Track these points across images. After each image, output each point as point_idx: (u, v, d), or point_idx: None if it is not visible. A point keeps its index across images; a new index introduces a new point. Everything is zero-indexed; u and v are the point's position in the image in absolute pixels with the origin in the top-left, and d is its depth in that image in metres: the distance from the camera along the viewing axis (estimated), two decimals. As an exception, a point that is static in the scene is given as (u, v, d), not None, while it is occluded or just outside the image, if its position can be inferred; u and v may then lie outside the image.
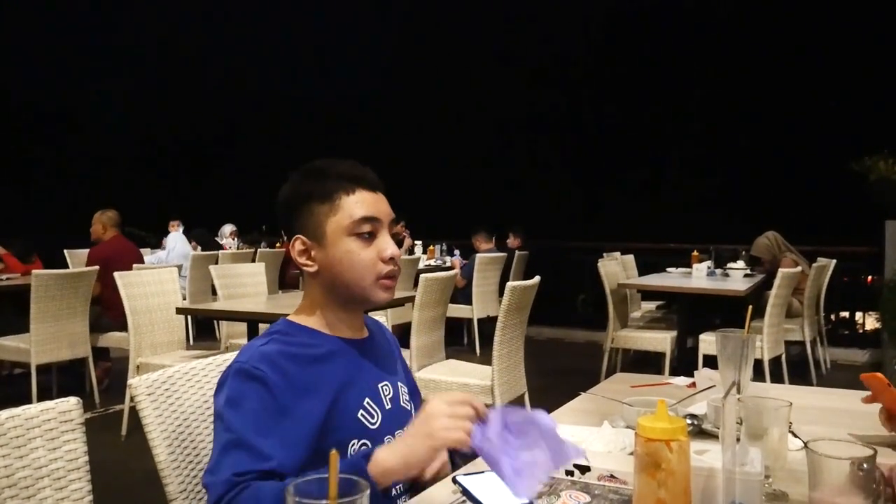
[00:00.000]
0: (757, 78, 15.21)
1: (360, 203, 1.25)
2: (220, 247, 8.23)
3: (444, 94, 16.91)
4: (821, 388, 2.15)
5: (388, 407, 1.28)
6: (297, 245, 1.28)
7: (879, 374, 1.34)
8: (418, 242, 7.81)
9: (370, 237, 1.26)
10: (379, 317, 1.44)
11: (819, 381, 5.40)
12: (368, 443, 1.22)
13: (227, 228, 8.94)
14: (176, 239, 7.60)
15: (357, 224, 1.24)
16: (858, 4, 13.57)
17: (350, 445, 1.21)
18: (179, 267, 5.88)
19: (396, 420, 1.29)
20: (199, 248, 7.81)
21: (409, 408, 1.35)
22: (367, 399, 1.25)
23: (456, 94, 16.86)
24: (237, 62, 18.52)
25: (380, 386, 1.29)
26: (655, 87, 15.89)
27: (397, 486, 1.28)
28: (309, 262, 1.27)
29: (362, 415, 1.23)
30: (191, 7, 17.88)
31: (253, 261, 6.76)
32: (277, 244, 8.46)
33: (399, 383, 1.35)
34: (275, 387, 1.14)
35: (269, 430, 1.11)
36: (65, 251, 7.33)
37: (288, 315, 1.33)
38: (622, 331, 5.16)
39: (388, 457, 1.06)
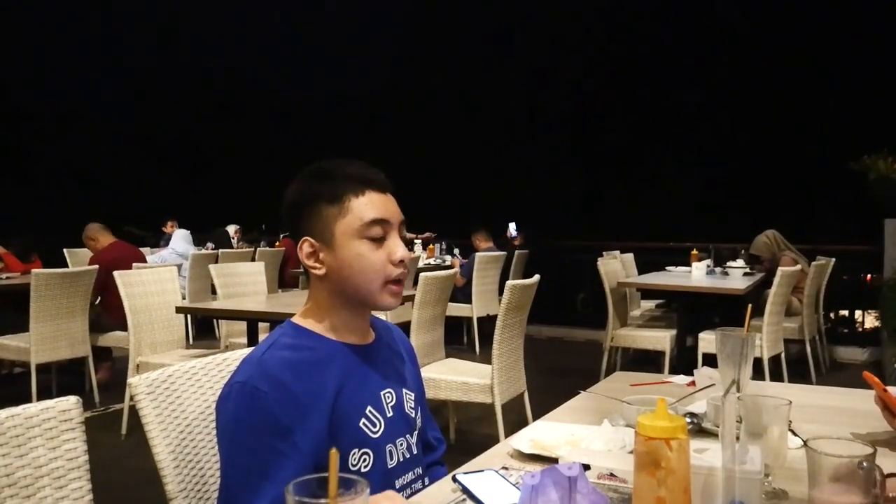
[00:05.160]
0: (757, 77, 15.22)
1: (370, 205, 1.23)
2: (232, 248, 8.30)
3: (444, 93, 16.91)
4: (820, 387, 2.15)
5: (389, 415, 1.26)
6: (305, 247, 1.25)
7: (876, 379, 1.35)
8: (418, 242, 7.82)
9: (380, 240, 1.24)
10: (379, 315, 1.44)
11: (818, 380, 5.40)
12: (370, 452, 1.22)
13: (231, 229, 8.97)
14: (179, 237, 7.61)
15: (367, 227, 1.22)
16: (858, 4, 13.57)
17: (351, 454, 1.20)
18: (179, 266, 5.88)
19: (398, 428, 1.28)
20: (212, 246, 7.83)
21: (413, 415, 1.34)
22: (368, 407, 1.24)
23: (455, 93, 16.86)
24: (237, 61, 18.51)
25: (382, 393, 1.28)
26: (655, 86, 15.89)
27: (404, 475, 1.28)
28: (317, 265, 1.25)
29: (364, 423, 1.22)
30: (191, 6, 17.86)
31: (253, 260, 6.77)
32: (276, 243, 8.48)
33: (404, 390, 1.33)
34: (277, 406, 1.13)
35: (271, 465, 1.11)
36: (65, 251, 7.34)
37: (291, 316, 1.32)
38: (622, 329, 5.16)
39: None
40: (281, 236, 8.25)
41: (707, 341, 4.57)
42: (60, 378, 5.15)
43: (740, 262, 5.87)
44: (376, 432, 1.23)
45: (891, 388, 1.34)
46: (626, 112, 16.25)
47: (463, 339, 6.92)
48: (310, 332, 1.26)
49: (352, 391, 1.22)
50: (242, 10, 18.51)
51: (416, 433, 1.34)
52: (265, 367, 1.17)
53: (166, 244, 7.80)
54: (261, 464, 1.11)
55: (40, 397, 4.12)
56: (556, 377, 5.40)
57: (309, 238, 1.25)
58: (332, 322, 1.27)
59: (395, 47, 18.17)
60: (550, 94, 16.74)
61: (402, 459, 1.27)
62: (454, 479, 1.18)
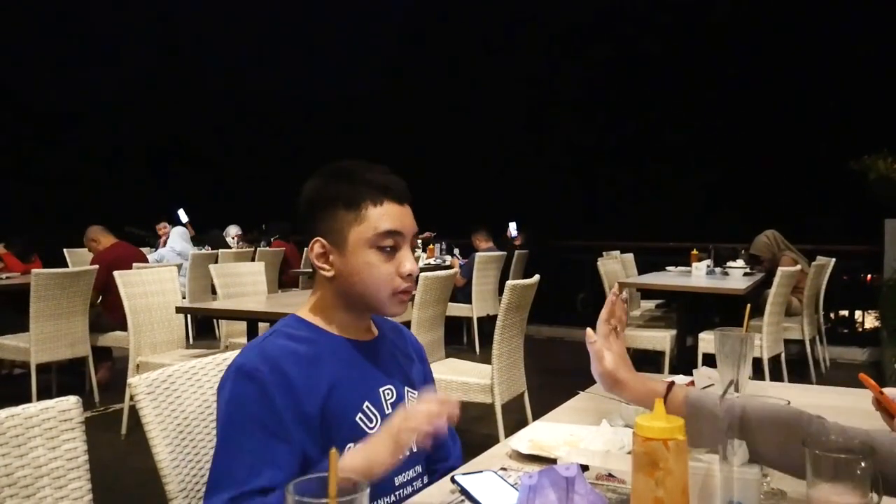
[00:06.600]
0: (757, 77, 15.22)
1: (386, 216, 1.23)
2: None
3: (444, 93, 16.91)
4: (820, 387, 2.16)
5: (388, 411, 1.27)
6: (316, 248, 1.25)
7: (872, 381, 1.35)
8: (418, 242, 7.81)
9: (392, 251, 1.24)
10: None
11: (818, 380, 5.40)
12: None
13: (232, 230, 8.97)
14: (177, 235, 7.59)
15: (380, 237, 1.22)
16: (858, 5, 13.57)
17: (346, 449, 1.19)
18: (179, 266, 5.87)
19: None
20: (209, 248, 7.83)
21: None
22: (366, 403, 1.24)
23: (455, 93, 16.86)
24: (237, 62, 18.51)
25: (382, 390, 1.28)
26: (655, 86, 15.89)
27: (403, 473, 1.28)
28: (326, 266, 1.25)
29: (360, 418, 1.22)
30: (191, 7, 17.86)
31: (253, 260, 6.77)
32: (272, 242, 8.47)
33: (407, 388, 1.33)
34: (273, 388, 1.14)
35: (265, 446, 1.12)
36: (65, 251, 7.34)
37: (292, 312, 1.32)
38: (622, 330, 5.15)
39: (353, 457, 1.09)
40: (271, 239, 8.24)
41: (707, 341, 4.57)
42: (60, 378, 5.15)
43: (740, 263, 5.86)
44: (373, 428, 1.23)
45: (887, 390, 1.34)
46: (626, 112, 16.25)
47: (463, 339, 6.92)
48: (312, 325, 1.28)
49: (350, 386, 1.23)
50: (242, 11, 18.51)
51: None
52: (265, 352, 1.19)
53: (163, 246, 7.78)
54: (255, 443, 1.12)
55: (40, 397, 4.12)
56: (555, 377, 5.39)
57: (321, 239, 1.25)
58: (334, 318, 1.29)
59: (396, 47, 18.17)
60: (551, 93, 16.75)
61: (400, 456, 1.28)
62: (453, 480, 1.18)
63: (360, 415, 1.23)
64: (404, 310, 1.30)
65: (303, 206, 1.29)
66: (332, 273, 1.25)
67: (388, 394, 1.29)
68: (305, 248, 1.30)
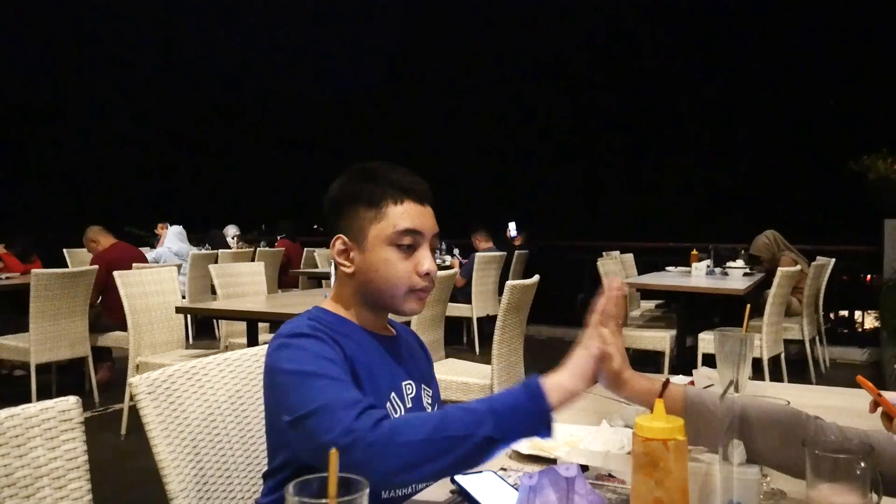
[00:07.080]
0: (757, 77, 15.22)
1: (406, 214, 1.26)
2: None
3: (444, 92, 16.91)
4: (819, 387, 2.16)
5: (409, 405, 1.30)
6: (338, 244, 1.29)
7: (870, 384, 1.35)
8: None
9: (410, 249, 1.26)
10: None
11: (818, 380, 5.40)
12: None
13: (231, 230, 8.96)
14: (172, 234, 7.57)
15: (399, 235, 1.25)
16: (858, 5, 13.56)
17: None
18: (179, 266, 5.87)
19: None
20: (209, 247, 7.81)
21: (430, 411, 1.36)
22: (392, 393, 1.27)
23: (455, 93, 16.86)
24: (237, 61, 18.50)
25: (403, 384, 1.31)
26: (656, 87, 15.89)
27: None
28: (346, 263, 1.29)
29: (388, 407, 1.25)
30: (191, 7, 17.86)
31: (252, 260, 6.76)
32: (276, 243, 8.46)
33: (423, 385, 1.36)
34: (329, 341, 1.17)
35: (346, 375, 1.13)
36: (64, 251, 7.34)
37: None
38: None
39: (557, 375, 1.12)
40: (278, 237, 8.23)
41: (707, 341, 4.57)
42: (60, 378, 5.15)
43: (740, 263, 5.86)
44: None
45: (885, 393, 1.34)
46: (626, 112, 16.25)
47: (463, 339, 6.92)
48: (340, 316, 1.30)
49: (379, 374, 1.26)
50: (242, 10, 18.49)
51: None
52: (308, 323, 1.21)
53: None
54: (341, 374, 1.13)
55: (40, 397, 4.12)
56: (555, 377, 5.39)
57: (342, 236, 1.28)
58: (355, 313, 1.32)
59: (395, 48, 18.17)
60: (551, 94, 16.75)
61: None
62: (452, 481, 1.18)
63: (388, 403, 1.25)
64: (421, 308, 1.31)
65: (327, 204, 1.32)
66: (352, 269, 1.28)
67: (408, 388, 1.31)
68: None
